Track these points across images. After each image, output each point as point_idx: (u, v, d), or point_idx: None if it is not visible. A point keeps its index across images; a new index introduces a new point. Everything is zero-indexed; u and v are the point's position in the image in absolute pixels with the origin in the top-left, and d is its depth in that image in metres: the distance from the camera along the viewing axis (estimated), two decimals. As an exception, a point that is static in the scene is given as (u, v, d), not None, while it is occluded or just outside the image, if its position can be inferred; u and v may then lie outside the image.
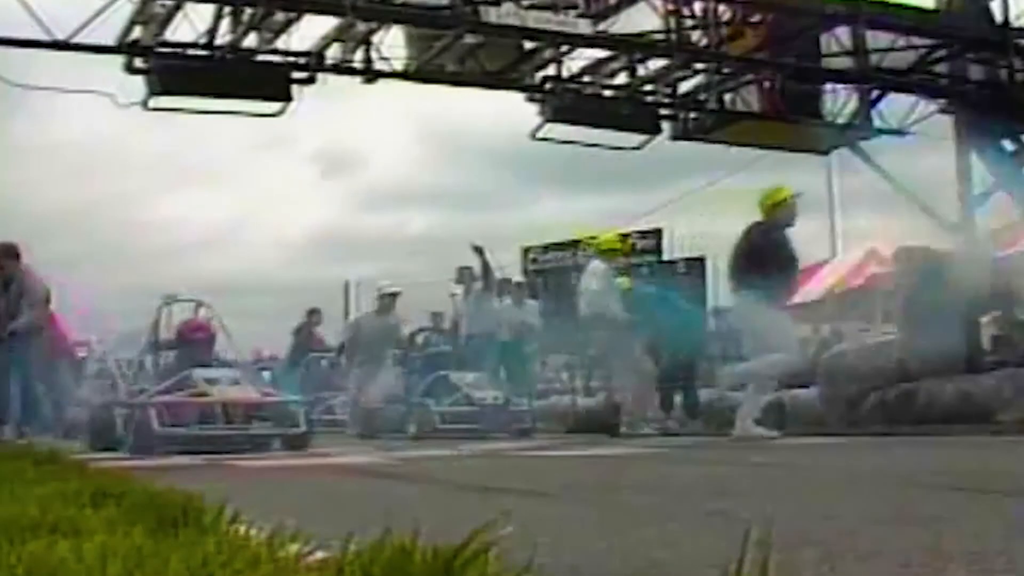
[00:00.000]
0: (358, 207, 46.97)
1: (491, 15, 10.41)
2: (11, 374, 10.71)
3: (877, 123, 12.71)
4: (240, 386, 9.89)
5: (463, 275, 15.22)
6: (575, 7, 11.07)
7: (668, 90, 12.68)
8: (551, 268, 22.58)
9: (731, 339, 13.27)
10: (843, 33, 12.09)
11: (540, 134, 12.17)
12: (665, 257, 21.30)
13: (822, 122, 12.83)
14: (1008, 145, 12.80)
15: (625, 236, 15.61)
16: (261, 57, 10.66)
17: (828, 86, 12.81)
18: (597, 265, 12.18)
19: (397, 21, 10.79)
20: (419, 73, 11.27)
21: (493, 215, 44.29)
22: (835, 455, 8.00)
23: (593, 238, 13.52)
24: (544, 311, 16.69)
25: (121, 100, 10.31)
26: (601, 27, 11.21)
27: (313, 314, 18.30)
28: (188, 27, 10.23)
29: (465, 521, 1.84)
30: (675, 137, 13.00)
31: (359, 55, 10.96)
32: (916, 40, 12.29)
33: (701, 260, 19.97)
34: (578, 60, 12.12)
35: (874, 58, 12.15)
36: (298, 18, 10.48)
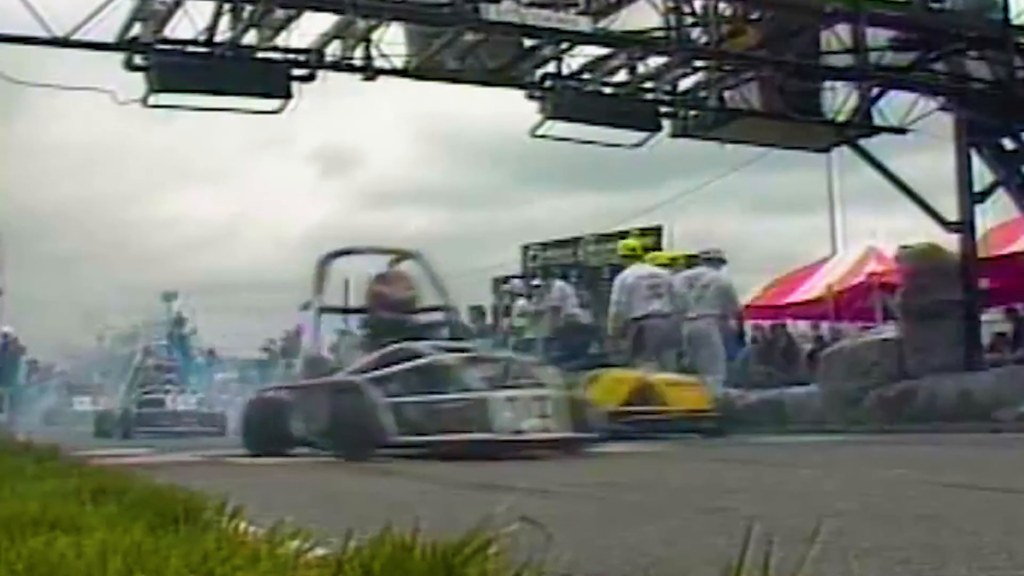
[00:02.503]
0: (357, 205, 47.00)
1: (491, 12, 10.40)
2: None
3: (877, 121, 12.70)
4: None
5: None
6: (575, 4, 11.06)
7: (668, 87, 12.67)
8: (551, 265, 22.55)
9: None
10: (843, 30, 12.08)
11: (540, 132, 12.17)
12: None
13: (822, 120, 12.83)
14: (1008, 143, 12.80)
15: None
16: (261, 54, 10.65)
17: (828, 83, 12.81)
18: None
19: (397, 18, 10.78)
20: (419, 70, 11.26)
21: (493, 213, 44.29)
22: (835, 452, 8.01)
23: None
24: None
25: (121, 97, 10.31)
26: (601, 24, 11.20)
27: None
28: (188, 24, 10.23)
29: (465, 519, 1.84)
30: (675, 134, 13.00)
31: (359, 52, 10.95)
32: (916, 37, 12.29)
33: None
34: (578, 57, 12.11)
35: (874, 55, 12.14)
36: (298, 15, 10.47)
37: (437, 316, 8.94)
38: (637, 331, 12.38)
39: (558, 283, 15.31)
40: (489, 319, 17.59)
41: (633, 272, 12.95)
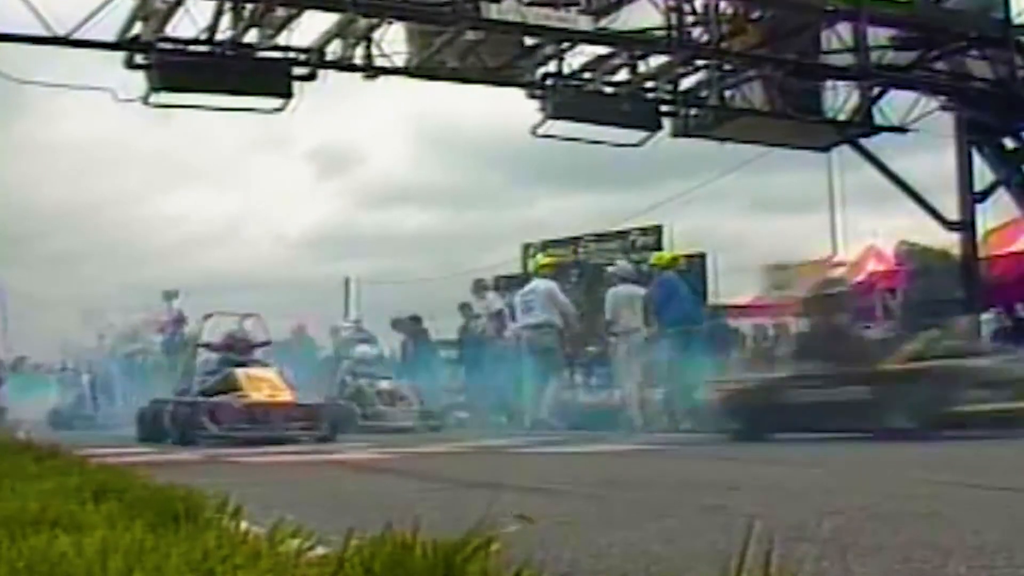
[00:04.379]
0: (358, 203, 46.96)
1: (492, 11, 10.41)
2: None
3: (878, 120, 12.70)
4: None
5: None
6: (576, 4, 11.06)
7: (669, 87, 12.67)
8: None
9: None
10: (844, 29, 12.08)
11: (541, 131, 12.16)
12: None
13: (823, 119, 12.82)
14: (1009, 142, 12.80)
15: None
16: (262, 53, 10.65)
17: (829, 83, 12.80)
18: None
19: (398, 17, 10.78)
20: (420, 69, 11.26)
21: (493, 212, 44.31)
22: (834, 451, 8.00)
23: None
24: None
25: (122, 96, 10.32)
26: (602, 23, 11.20)
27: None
28: (189, 23, 10.24)
29: (466, 518, 1.84)
30: (676, 134, 12.99)
31: (360, 51, 10.95)
32: (917, 36, 12.29)
33: (702, 257, 19.95)
34: (579, 57, 12.12)
35: (875, 55, 12.14)
36: (299, 14, 10.48)
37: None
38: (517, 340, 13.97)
39: (490, 294, 15.74)
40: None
41: (525, 287, 14.13)
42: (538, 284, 13.88)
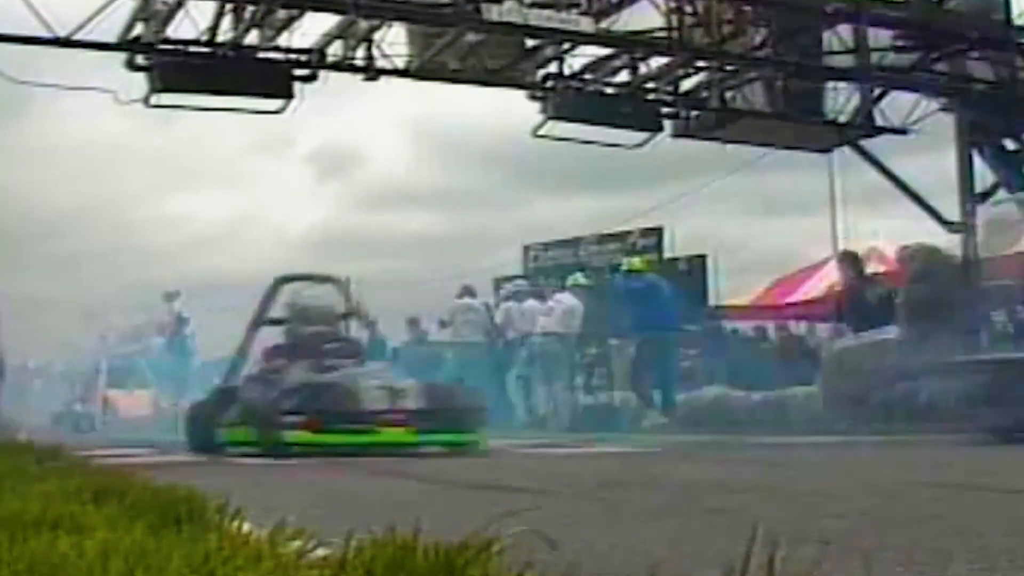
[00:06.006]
0: (359, 205, 46.98)
1: (493, 12, 10.39)
2: None
3: (879, 121, 12.70)
4: None
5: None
6: (577, 5, 11.04)
7: (670, 88, 12.65)
8: (553, 266, 22.56)
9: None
10: (845, 30, 12.07)
11: (542, 132, 12.17)
12: (666, 255, 21.26)
13: (824, 120, 12.81)
14: (1010, 144, 12.79)
15: None
16: (263, 54, 10.65)
17: (830, 84, 12.79)
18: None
19: (399, 18, 10.77)
20: (421, 71, 11.25)
21: (494, 213, 44.33)
22: (836, 453, 8.00)
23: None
24: None
25: (123, 97, 10.31)
26: (603, 25, 11.18)
27: None
28: (190, 24, 10.22)
29: (467, 519, 1.84)
30: (677, 135, 12.99)
31: (361, 52, 10.95)
32: (918, 37, 12.29)
33: (702, 258, 19.96)
34: (580, 58, 12.09)
35: (876, 56, 12.14)
36: (300, 15, 10.47)
37: None
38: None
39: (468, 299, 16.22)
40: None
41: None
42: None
